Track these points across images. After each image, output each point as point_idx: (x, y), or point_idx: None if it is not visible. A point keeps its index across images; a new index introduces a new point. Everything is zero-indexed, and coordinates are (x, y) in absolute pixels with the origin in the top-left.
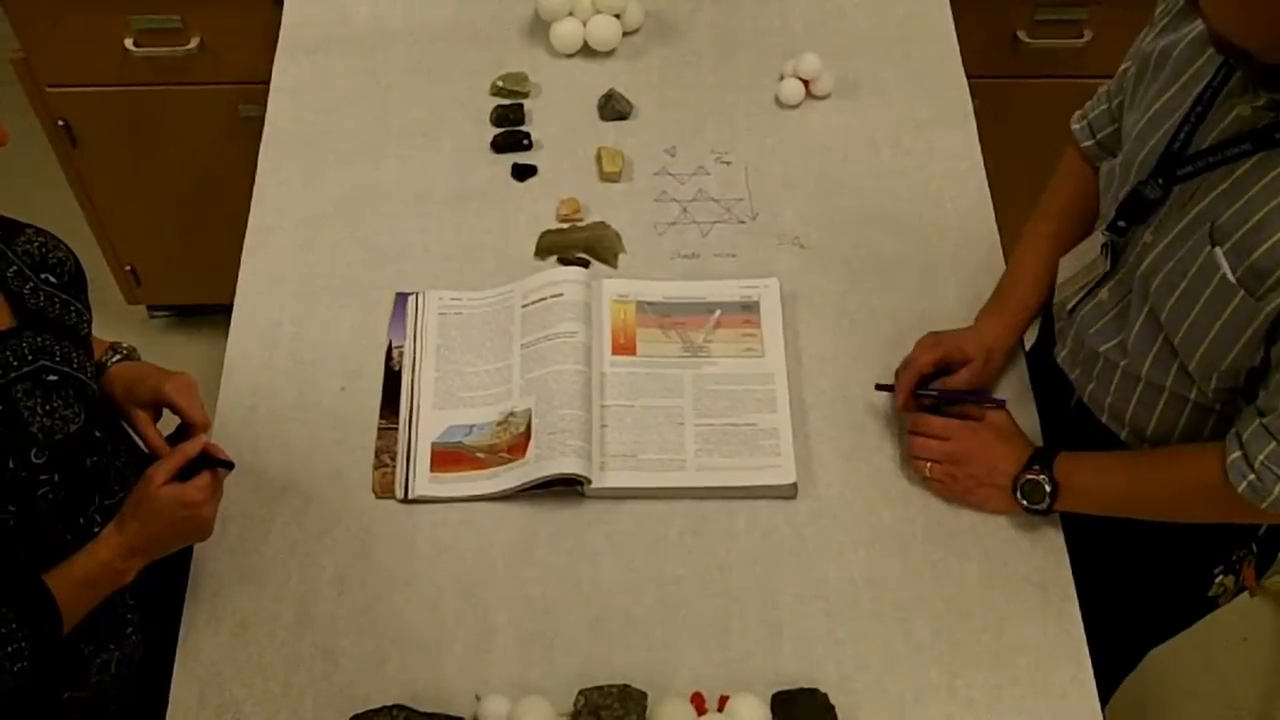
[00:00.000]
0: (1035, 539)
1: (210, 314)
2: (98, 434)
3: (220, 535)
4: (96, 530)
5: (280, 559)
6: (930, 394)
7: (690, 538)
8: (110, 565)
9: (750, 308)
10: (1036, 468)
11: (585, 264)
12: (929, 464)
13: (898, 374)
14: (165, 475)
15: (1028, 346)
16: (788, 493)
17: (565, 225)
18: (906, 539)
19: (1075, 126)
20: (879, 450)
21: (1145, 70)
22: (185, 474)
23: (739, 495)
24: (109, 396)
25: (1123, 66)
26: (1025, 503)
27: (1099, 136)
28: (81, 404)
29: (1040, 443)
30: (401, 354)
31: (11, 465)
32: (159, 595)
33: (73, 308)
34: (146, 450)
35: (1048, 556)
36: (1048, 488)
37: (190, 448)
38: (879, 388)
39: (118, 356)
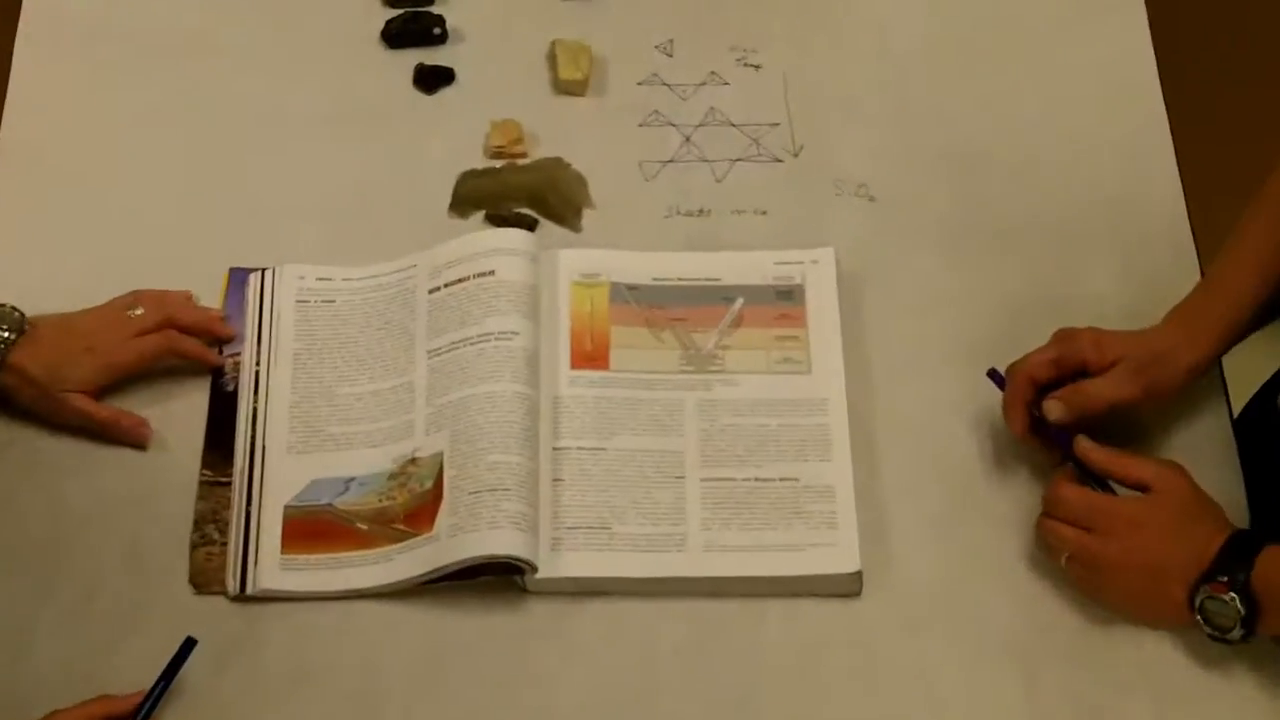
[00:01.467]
0: (1243, 667)
1: None
2: None
3: None
4: None
5: (43, 691)
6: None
7: (694, 657)
8: None
9: (790, 295)
10: (1223, 579)
11: (530, 225)
12: (1065, 554)
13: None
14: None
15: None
16: (848, 586)
17: (499, 163)
18: (1035, 657)
19: None
20: (991, 516)
21: None
22: None
23: (772, 591)
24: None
25: None
26: (1208, 629)
27: None
28: None
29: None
30: (239, 366)
31: None
32: None
33: None
34: (99, 428)
35: (1260, 693)
36: (1239, 608)
37: (118, 703)
38: (992, 375)
39: (12, 334)
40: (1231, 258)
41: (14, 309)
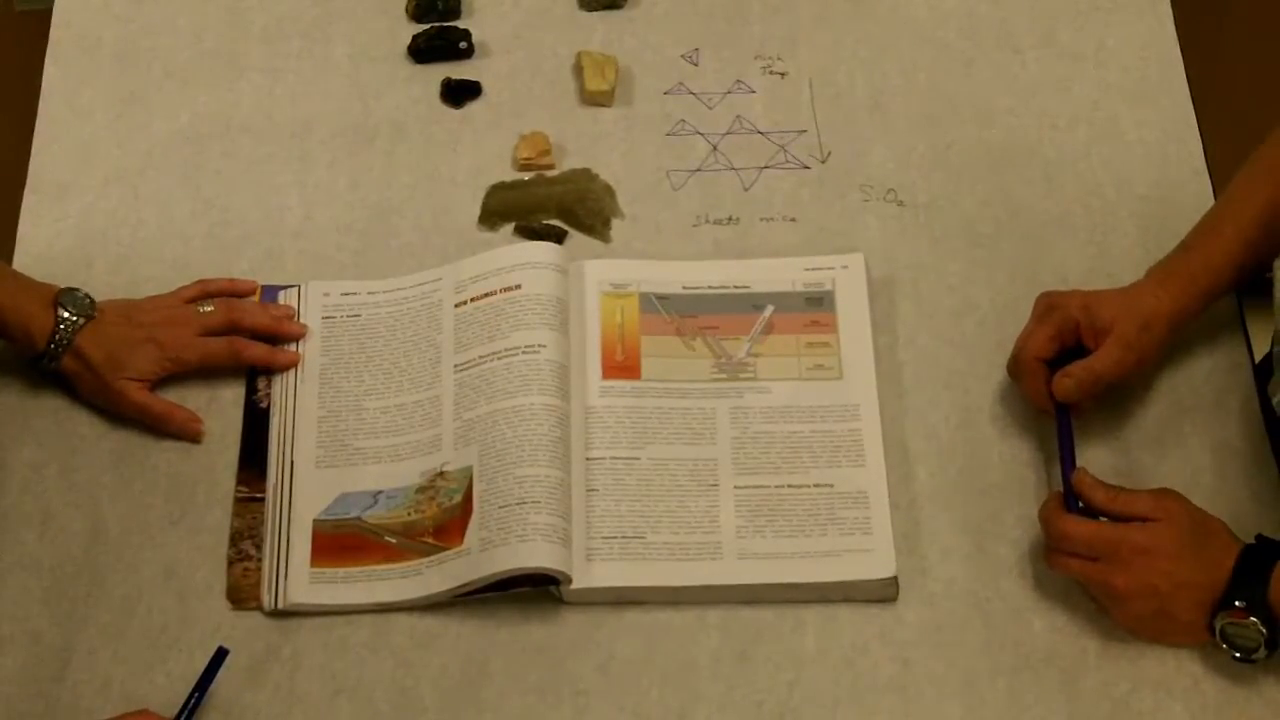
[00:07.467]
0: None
1: None
2: None
3: None
4: None
5: (84, 705)
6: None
7: (732, 665)
8: None
9: (820, 301)
10: (1239, 604)
11: (559, 236)
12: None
13: (1010, 368)
14: None
15: (1258, 356)
16: (883, 592)
17: (527, 176)
18: (1072, 664)
19: None
20: (1026, 520)
21: None
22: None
23: (808, 597)
24: (64, 373)
25: None
26: (1235, 654)
27: None
28: None
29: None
30: (271, 383)
31: None
32: None
33: None
34: (154, 420)
35: None
36: (1261, 630)
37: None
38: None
39: (80, 319)
40: (1216, 220)
41: (85, 295)
